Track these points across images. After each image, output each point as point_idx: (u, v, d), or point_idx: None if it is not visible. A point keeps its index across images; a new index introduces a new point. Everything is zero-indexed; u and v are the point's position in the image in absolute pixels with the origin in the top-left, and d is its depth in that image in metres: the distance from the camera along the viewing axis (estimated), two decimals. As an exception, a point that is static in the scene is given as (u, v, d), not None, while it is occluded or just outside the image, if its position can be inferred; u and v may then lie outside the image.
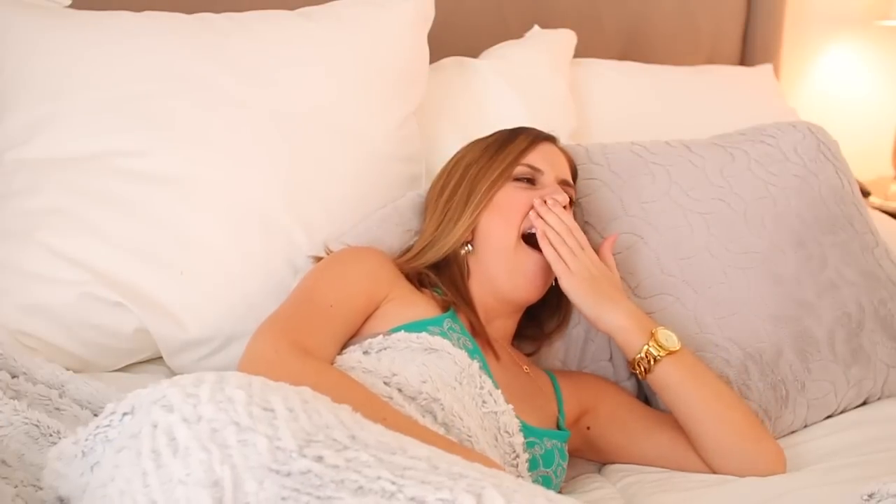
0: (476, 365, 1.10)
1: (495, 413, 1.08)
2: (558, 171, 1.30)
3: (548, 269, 1.23)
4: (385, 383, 1.05)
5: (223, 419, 0.73)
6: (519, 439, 1.08)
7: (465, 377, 1.08)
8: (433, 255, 1.25)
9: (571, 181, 1.34)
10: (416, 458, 0.74)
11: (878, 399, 1.43)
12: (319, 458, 0.72)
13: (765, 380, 1.33)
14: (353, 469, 0.71)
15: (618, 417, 1.28)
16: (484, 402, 1.08)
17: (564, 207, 1.25)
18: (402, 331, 1.12)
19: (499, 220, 1.24)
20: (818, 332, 1.38)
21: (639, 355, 1.18)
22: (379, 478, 0.71)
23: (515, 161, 1.28)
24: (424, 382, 1.04)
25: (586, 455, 1.31)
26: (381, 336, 1.11)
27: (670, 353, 1.18)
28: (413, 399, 1.04)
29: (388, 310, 1.17)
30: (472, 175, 1.28)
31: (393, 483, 0.70)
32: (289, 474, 0.70)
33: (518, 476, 1.06)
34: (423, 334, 1.10)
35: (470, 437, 1.03)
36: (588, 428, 1.28)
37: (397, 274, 1.23)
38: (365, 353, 1.11)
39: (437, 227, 1.27)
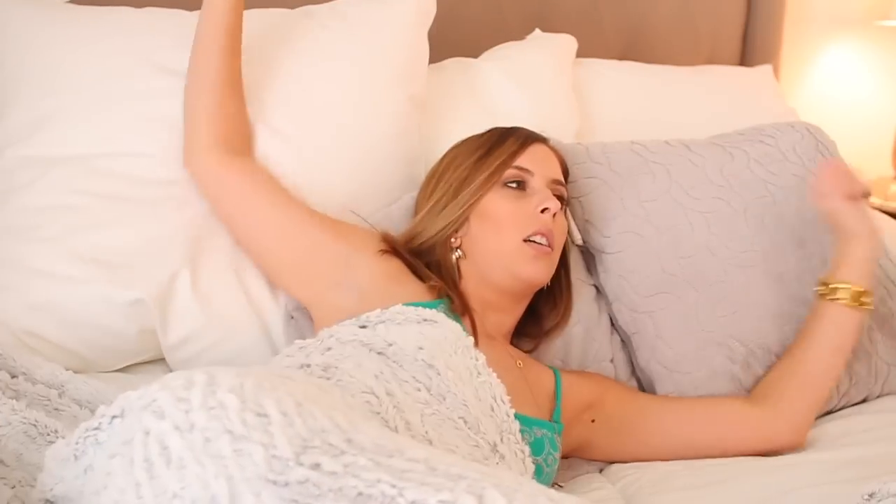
0: (471, 340, 1.11)
1: (490, 384, 1.08)
2: (548, 172, 1.30)
3: (549, 256, 1.23)
4: (379, 353, 1.05)
5: (216, 428, 0.72)
6: (512, 410, 1.08)
7: (461, 348, 1.08)
8: (416, 244, 1.26)
9: (563, 179, 1.34)
10: (414, 459, 0.73)
11: (878, 397, 1.43)
12: (317, 466, 0.70)
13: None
14: (352, 474, 0.70)
15: (625, 402, 1.30)
16: (479, 373, 1.08)
17: (555, 215, 1.25)
18: (400, 305, 1.13)
19: (491, 229, 1.24)
20: (820, 329, 1.38)
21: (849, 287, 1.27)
22: (378, 481, 0.70)
23: (505, 164, 1.27)
24: (421, 349, 1.04)
25: (591, 454, 1.31)
26: (378, 310, 1.12)
27: (860, 307, 1.27)
28: (407, 367, 1.04)
29: (380, 284, 1.19)
30: (462, 175, 1.28)
31: (393, 486, 0.69)
32: (286, 484, 0.69)
33: (515, 444, 1.06)
34: (420, 308, 1.12)
35: (466, 404, 1.03)
36: (593, 420, 1.28)
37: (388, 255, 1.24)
38: (362, 326, 1.11)
39: (421, 221, 1.28)
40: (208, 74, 1.29)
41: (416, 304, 1.14)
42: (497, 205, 1.25)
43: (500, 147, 1.29)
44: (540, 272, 1.23)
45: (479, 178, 1.26)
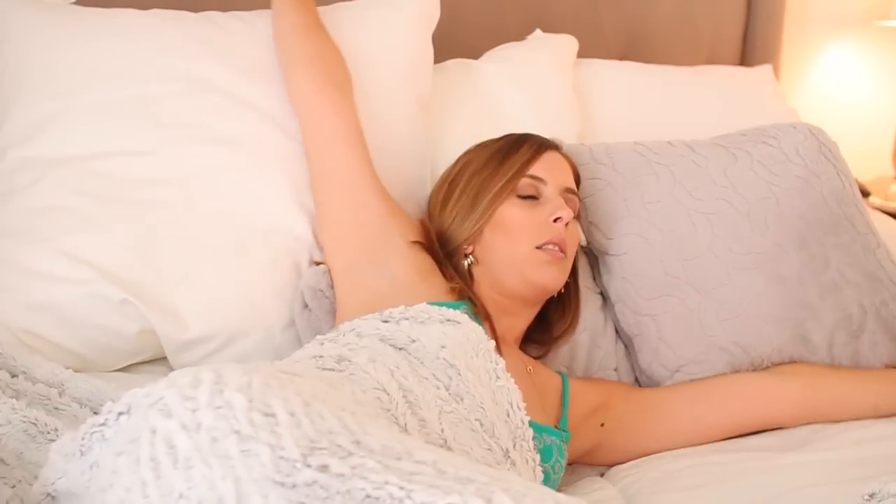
0: (492, 343, 1.11)
1: (507, 389, 1.08)
2: (561, 180, 1.30)
3: (562, 262, 1.23)
4: (400, 349, 1.05)
5: (223, 428, 0.72)
6: (527, 417, 1.09)
7: (482, 351, 1.09)
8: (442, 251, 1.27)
9: (575, 187, 1.34)
10: (422, 462, 0.73)
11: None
12: (324, 468, 0.70)
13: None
14: (360, 476, 0.70)
15: (634, 398, 1.31)
16: (498, 377, 1.08)
17: (567, 224, 1.25)
18: (424, 303, 1.13)
19: (504, 238, 1.24)
20: (817, 335, 1.38)
21: None
22: (387, 483, 0.69)
23: (519, 172, 1.28)
24: (443, 348, 1.04)
25: (601, 458, 1.31)
26: (402, 306, 1.13)
27: None
28: (428, 364, 1.04)
29: (411, 278, 1.20)
30: (477, 184, 1.28)
31: (401, 488, 0.69)
32: (294, 486, 0.69)
33: (528, 451, 1.06)
34: (444, 308, 1.12)
35: (483, 406, 1.02)
36: (602, 425, 1.28)
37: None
38: (385, 321, 1.11)
39: (447, 230, 1.28)
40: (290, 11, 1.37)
41: (439, 304, 1.14)
42: (511, 214, 1.25)
43: (514, 155, 1.29)
44: (554, 278, 1.23)
45: (495, 188, 1.26)
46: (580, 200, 1.36)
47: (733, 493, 1.14)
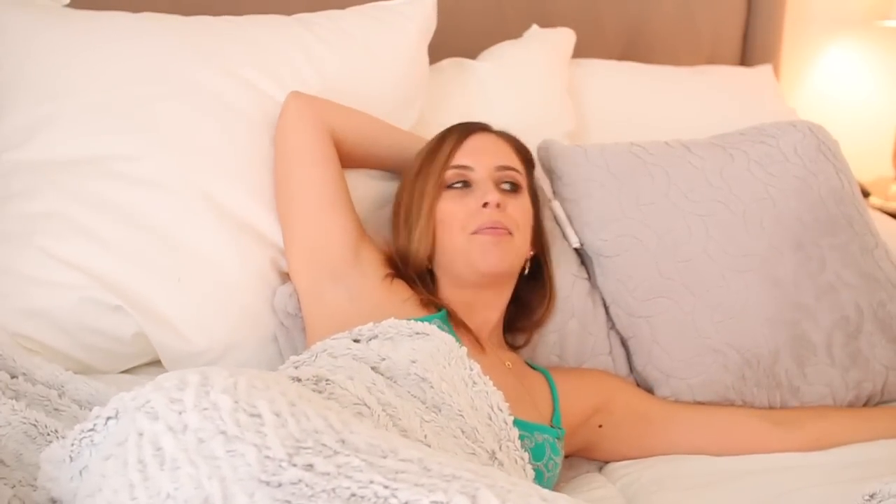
0: (465, 350, 1.11)
1: (486, 392, 1.08)
2: (490, 161, 1.29)
3: (504, 242, 1.22)
4: (372, 368, 1.05)
5: (209, 429, 0.72)
6: (511, 416, 1.08)
7: (455, 359, 1.08)
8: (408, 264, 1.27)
9: (512, 164, 1.31)
10: (407, 460, 0.73)
11: (879, 402, 1.42)
12: (310, 467, 0.71)
13: (760, 385, 1.33)
14: (345, 475, 0.71)
15: (635, 409, 1.30)
16: (474, 382, 1.08)
17: (499, 205, 1.23)
18: (392, 319, 1.13)
19: (445, 232, 1.25)
20: (815, 336, 1.37)
21: None
22: (371, 482, 0.70)
23: (444, 166, 1.28)
24: (414, 363, 1.04)
25: (594, 455, 1.32)
26: (371, 324, 1.13)
27: None
28: (401, 382, 1.04)
29: (380, 297, 1.20)
30: (412, 191, 1.29)
31: (386, 487, 0.69)
32: (279, 485, 0.69)
33: (515, 451, 1.06)
34: (412, 321, 1.12)
35: (461, 414, 1.03)
36: (600, 426, 1.28)
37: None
38: (355, 340, 1.12)
39: (404, 243, 1.28)
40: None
41: (409, 319, 1.14)
42: (444, 208, 1.26)
43: (438, 151, 1.30)
44: (497, 259, 1.22)
45: (427, 188, 1.27)
46: (526, 170, 1.35)
47: (733, 493, 1.15)
